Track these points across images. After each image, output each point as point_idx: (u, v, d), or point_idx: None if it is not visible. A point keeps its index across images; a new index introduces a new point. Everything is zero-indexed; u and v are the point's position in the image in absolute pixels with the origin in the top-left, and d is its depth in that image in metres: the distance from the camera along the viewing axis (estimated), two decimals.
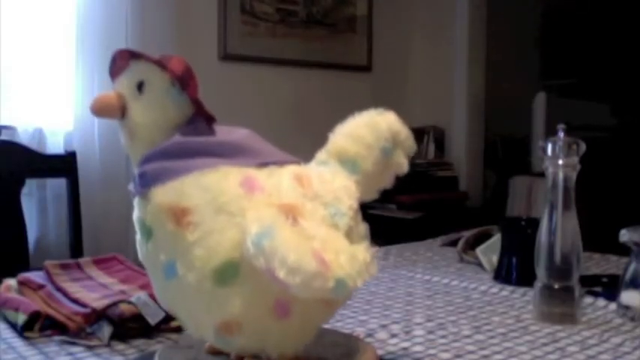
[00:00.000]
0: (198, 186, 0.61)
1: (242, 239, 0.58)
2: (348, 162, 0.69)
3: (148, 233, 0.63)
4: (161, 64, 0.65)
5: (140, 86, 0.66)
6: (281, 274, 0.54)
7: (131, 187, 0.65)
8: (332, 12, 3.25)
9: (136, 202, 0.64)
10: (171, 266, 0.61)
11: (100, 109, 0.67)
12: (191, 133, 0.65)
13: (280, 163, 0.66)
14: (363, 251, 0.58)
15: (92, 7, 2.39)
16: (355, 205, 0.65)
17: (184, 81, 0.65)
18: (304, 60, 3.16)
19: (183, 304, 0.64)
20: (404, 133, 0.73)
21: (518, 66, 3.68)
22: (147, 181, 0.63)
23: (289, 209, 0.60)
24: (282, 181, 0.63)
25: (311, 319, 0.64)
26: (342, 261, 0.56)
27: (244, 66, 2.97)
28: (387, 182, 0.73)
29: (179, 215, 0.60)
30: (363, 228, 0.67)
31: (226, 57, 2.90)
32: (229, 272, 0.59)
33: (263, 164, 0.65)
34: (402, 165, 0.73)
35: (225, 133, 0.67)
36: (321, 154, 0.70)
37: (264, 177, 0.63)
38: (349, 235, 0.62)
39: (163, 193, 0.61)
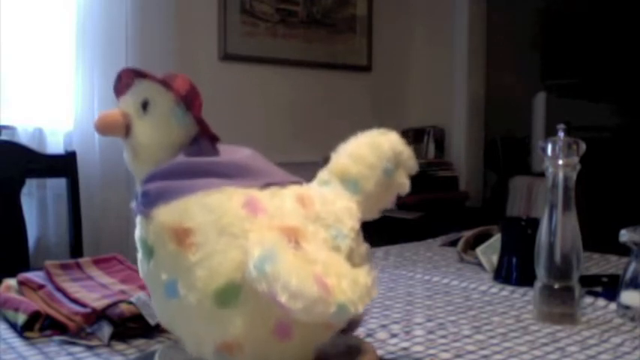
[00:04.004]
0: (201, 206, 0.61)
1: (244, 261, 0.58)
2: (349, 182, 0.69)
3: (149, 252, 0.63)
4: (166, 84, 0.66)
5: (145, 105, 0.66)
6: (283, 299, 0.54)
7: (134, 205, 0.65)
8: (332, 12, 3.25)
9: (138, 220, 0.64)
10: (173, 286, 0.61)
11: (104, 128, 0.67)
12: (195, 153, 0.65)
13: (283, 184, 0.66)
14: (364, 275, 0.58)
15: (92, 7, 2.39)
16: (357, 226, 0.66)
17: (189, 101, 0.65)
18: (304, 60, 3.15)
19: (183, 323, 0.64)
20: (406, 153, 0.73)
21: (518, 66, 3.68)
22: (150, 201, 0.63)
23: (291, 232, 0.60)
24: (284, 202, 0.63)
25: (311, 341, 0.64)
26: (344, 286, 0.56)
27: (244, 66, 2.97)
28: (389, 202, 0.74)
29: (181, 235, 0.60)
30: (365, 249, 0.67)
31: (226, 57, 2.90)
32: (231, 293, 0.59)
33: (266, 185, 0.65)
34: (404, 185, 0.73)
35: (228, 152, 0.67)
36: (323, 174, 0.71)
37: (267, 198, 0.63)
38: (350, 256, 0.62)
39: (166, 213, 0.61)
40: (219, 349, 0.61)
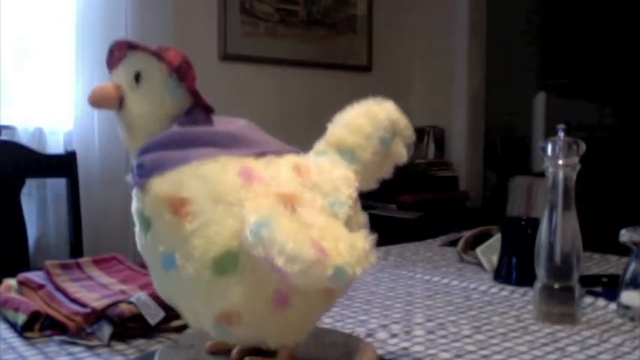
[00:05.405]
0: (196, 176, 0.61)
1: (241, 229, 0.58)
2: (346, 152, 0.69)
3: (146, 224, 0.63)
4: (158, 55, 0.65)
5: (137, 77, 0.66)
6: (280, 262, 0.54)
7: (129, 178, 0.65)
8: (332, 12, 3.25)
9: (134, 193, 0.64)
10: (170, 257, 0.61)
11: (97, 101, 0.66)
12: (189, 124, 0.65)
13: (278, 153, 0.66)
14: (362, 239, 0.58)
15: (92, 6, 2.39)
16: (354, 194, 0.65)
17: (181, 72, 0.65)
18: (304, 60, 3.16)
19: (182, 295, 0.64)
20: (402, 122, 0.73)
21: (518, 66, 3.68)
22: (145, 172, 0.62)
23: (288, 198, 0.59)
24: (280, 170, 0.63)
25: (310, 310, 0.64)
26: (341, 249, 0.56)
27: (244, 66, 2.98)
28: (387, 172, 0.73)
29: (177, 205, 0.60)
30: (362, 217, 0.66)
31: (226, 57, 2.90)
32: (228, 262, 0.59)
33: (261, 154, 0.64)
34: (402, 154, 0.73)
35: (223, 123, 0.67)
36: (320, 145, 0.70)
37: (263, 167, 0.63)
38: (348, 224, 0.62)
39: (162, 184, 0.61)
40: (218, 319, 0.61)
